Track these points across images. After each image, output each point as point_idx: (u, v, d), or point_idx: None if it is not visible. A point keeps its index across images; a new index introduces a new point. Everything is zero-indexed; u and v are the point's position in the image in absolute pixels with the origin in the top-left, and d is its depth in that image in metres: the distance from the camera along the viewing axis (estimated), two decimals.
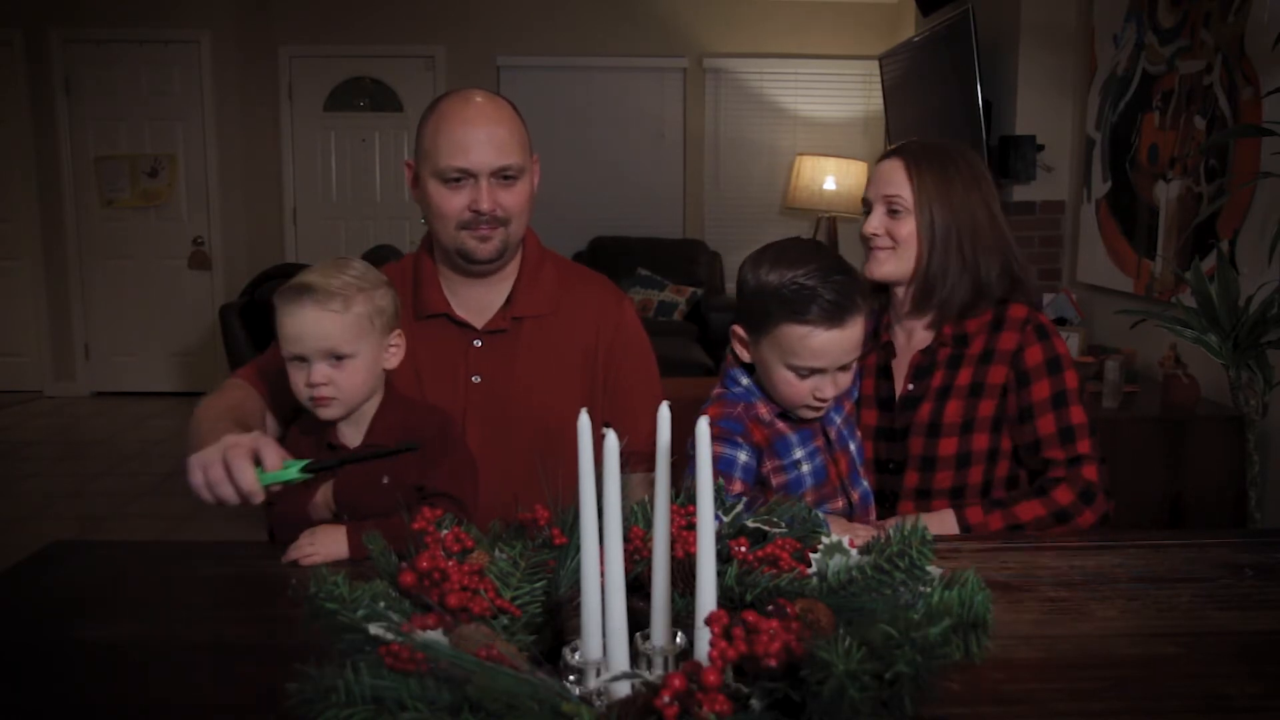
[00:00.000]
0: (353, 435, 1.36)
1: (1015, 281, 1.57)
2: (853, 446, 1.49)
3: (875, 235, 1.56)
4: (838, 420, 1.47)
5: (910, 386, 1.58)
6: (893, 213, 1.55)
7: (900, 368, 1.61)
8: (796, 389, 1.35)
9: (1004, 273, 1.55)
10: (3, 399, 5.80)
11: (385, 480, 1.31)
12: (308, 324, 1.30)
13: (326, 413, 1.33)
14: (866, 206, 1.60)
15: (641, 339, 1.65)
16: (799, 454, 1.42)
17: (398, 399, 1.40)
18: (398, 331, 1.39)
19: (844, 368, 1.36)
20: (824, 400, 1.36)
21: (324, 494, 1.32)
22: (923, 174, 1.54)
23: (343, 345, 1.31)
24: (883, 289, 1.62)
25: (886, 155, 1.61)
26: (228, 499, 1.17)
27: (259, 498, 1.17)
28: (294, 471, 1.18)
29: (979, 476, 1.54)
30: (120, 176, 5.79)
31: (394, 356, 1.39)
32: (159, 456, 4.71)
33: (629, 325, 1.63)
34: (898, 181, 1.55)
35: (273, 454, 1.18)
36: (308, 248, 6.14)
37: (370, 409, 1.37)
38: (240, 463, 1.16)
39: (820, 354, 1.32)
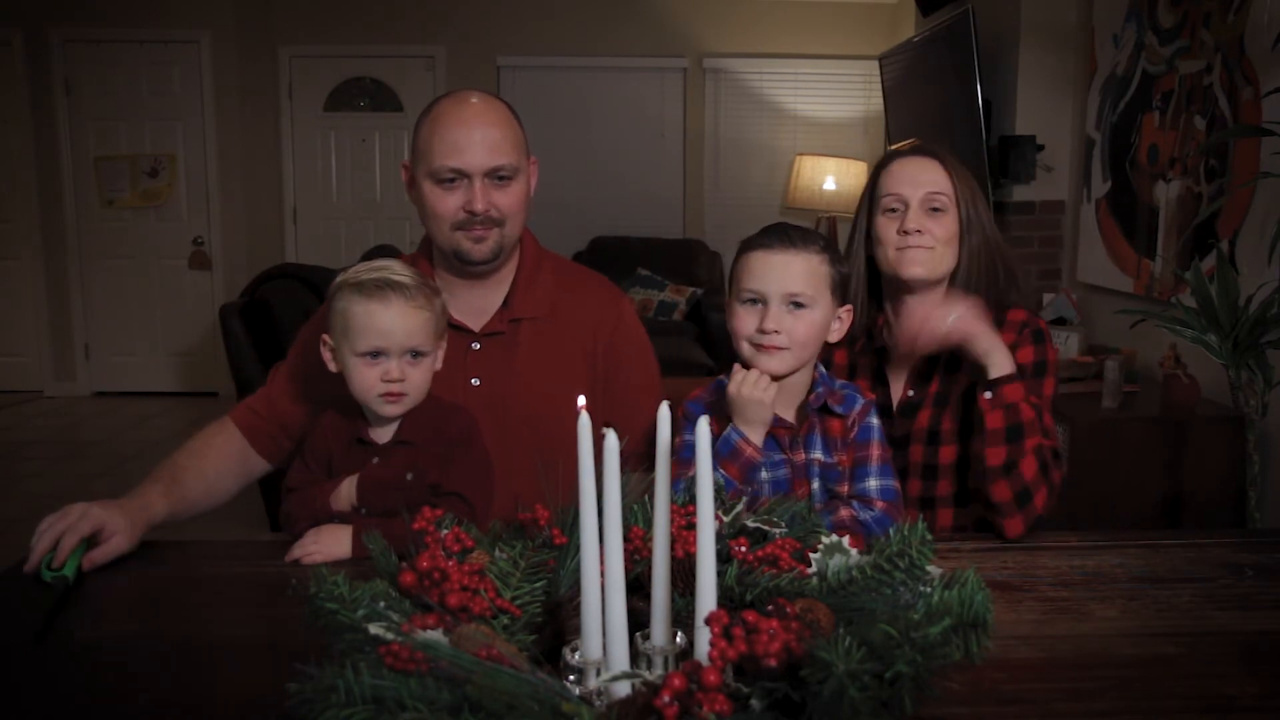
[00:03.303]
0: (382, 432, 1.36)
1: (1013, 281, 1.55)
2: (814, 485, 1.41)
3: (918, 233, 1.48)
4: (815, 453, 1.42)
5: (910, 393, 1.55)
6: (933, 210, 1.49)
7: (897, 373, 1.58)
8: (744, 321, 1.39)
9: (1009, 273, 1.54)
10: (3, 399, 5.79)
11: (410, 477, 1.31)
12: (396, 319, 1.30)
13: (394, 409, 1.33)
14: (897, 203, 1.51)
15: (641, 338, 1.64)
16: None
17: (428, 398, 1.40)
18: (444, 334, 1.41)
19: (795, 306, 1.36)
20: (767, 334, 1.35)
21: (348, 488, 1.32)
22: (959, 172, 1.51)
23: (425, 343, 1.33)
24: (878, 291, 1.59)
25: (910, 153, 1.54)
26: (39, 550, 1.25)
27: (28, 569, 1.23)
28: (62, 571, 1.20)
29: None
30: (120, 176, 5.79)
31: (440, 359, 1.40)
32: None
33: (628, 325, 1.62)
34: (937, 179, 1.50)
35: (68, 547, 1.23)
36: (308, 248, 6.14)
37: None
38: (42, 542, 1.24)
39: (758, 272, 1.37)
